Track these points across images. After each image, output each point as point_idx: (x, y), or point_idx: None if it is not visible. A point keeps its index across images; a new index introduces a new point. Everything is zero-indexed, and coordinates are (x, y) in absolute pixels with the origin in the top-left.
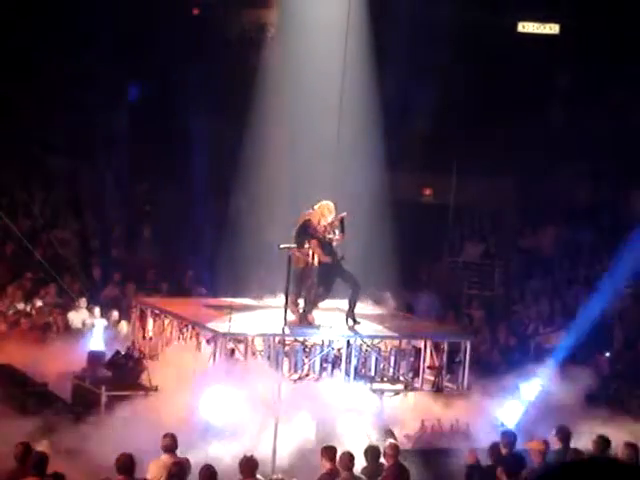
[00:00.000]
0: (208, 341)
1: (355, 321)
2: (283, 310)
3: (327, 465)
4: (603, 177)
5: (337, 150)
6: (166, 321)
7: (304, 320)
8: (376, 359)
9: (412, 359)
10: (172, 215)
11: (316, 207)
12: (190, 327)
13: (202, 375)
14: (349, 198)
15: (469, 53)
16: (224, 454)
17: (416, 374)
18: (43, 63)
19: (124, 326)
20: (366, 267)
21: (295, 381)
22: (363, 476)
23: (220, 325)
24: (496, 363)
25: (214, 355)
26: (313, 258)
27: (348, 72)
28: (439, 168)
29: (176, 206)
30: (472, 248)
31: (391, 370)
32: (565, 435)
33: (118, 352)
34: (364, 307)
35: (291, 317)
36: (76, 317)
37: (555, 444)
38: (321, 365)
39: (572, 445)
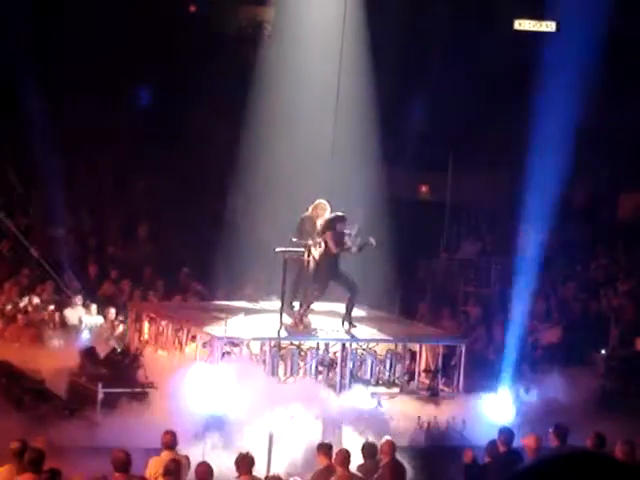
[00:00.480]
0: (204, 344)
1: (351, 324)
2: (279, 313)
3: (323, 461)
4: (600, 175)
5: (333, 148)
6: (162, 324)
7: (299, 323)
8: (372, 362)
9: (407, 362)
10: (168, 213)
11: (310, 208)
12: (186, 330)
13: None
14: (346, 196)
15: (466, 51)
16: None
17: (412, 377)
18: (42, 62)
19: (120, 323)
20: (363, 265)
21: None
22: (359, 473)
23: (216, 329)
24: (492, 360)
25: (210, 358)
26: (310, 256)
27: (345, 70)
28: (436, 166)
29: (172, 204)
30: (469, 245)
31: (387, 373)
32: (562, 433)
33: (114, 349)
34: (360, 310)
35: (287, 320)
36: (72, 314)
37: (552, 442)
38: (317, 369)
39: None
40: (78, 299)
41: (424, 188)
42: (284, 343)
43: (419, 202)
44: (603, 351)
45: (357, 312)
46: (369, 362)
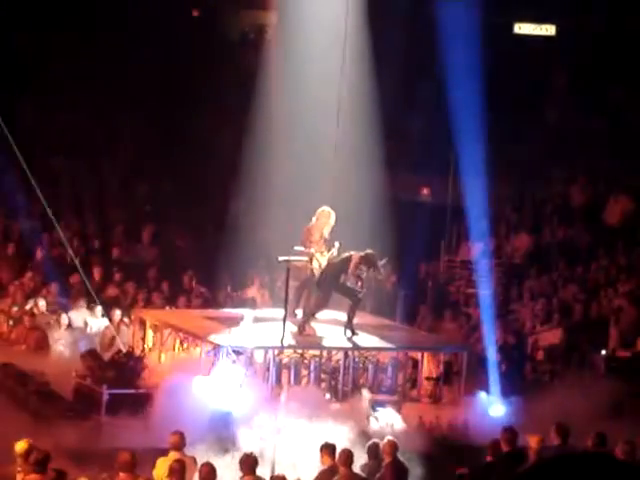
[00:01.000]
0: (208, 353)
1: (353, 332)
2: (282, 322)
3: (327, 462)
4: (600, 176)
5: (335, 150)
6: (165, 333)
7: (302, 331)
8: (374, 370)
9: (410, 370)
10: (172, 215)
11: (315, 218)
12: (190, 339)
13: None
14: (347, 198)
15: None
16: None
17: (414, 385)
18: (43, 63)
19: (125, 326)
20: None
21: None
22: (362, 473)
23: (220, 337)
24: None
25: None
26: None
27: (346, 73)
28: (437, 168)
29: (176, 206)
30: (469, 247)
31: (389, 381)
32: (564, 432)
33: (119, 351)
34: (362, 317)
35: (291, 328)
36: (77, 316)
37: (553, 440)
38: (319, 377)
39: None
40: (83, 301)
41: (425, 190)
42: (287, 352)
43: (420, 204)
44: (603, 352)
45: (359, 319)
46: (371, 370)
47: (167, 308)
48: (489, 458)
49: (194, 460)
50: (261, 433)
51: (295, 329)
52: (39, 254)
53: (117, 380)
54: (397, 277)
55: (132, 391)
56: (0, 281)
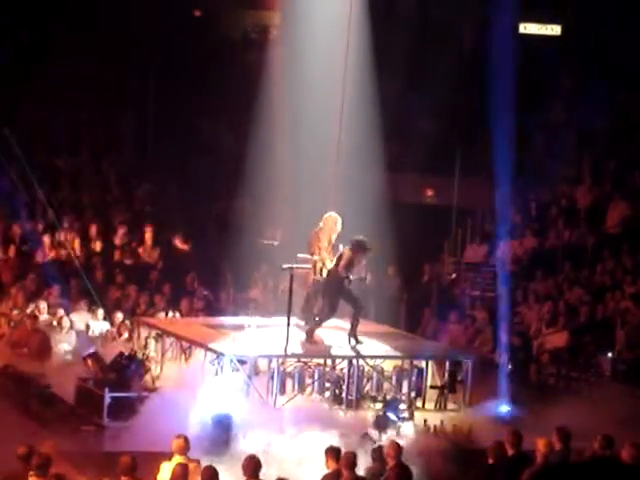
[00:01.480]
0: (212, 362)
1: (357, 340)
2: (286, 330)
3: (331, 465)
4: (604, 176)
5: (339, 151)
6: (168, 341)
7: (309, 339)
8: (378, 379)
9: (415, 378)
10: (174, 216)
11: (321, 223)
12: (193, 348)
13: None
14: (350, 199)
15: (470, 54)
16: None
17: (419, 393)
18: (45, 63)
19: (126, 329)
20: (369, 267)
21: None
22: (367, 476)
23: (223, 346)
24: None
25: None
26: (321, 272)
27: (350, 74)
28: (441, 169)
29: (179, 207)
30: (474, 249)
31: (393, 390)
32: (565, 435)
33: (121, 354)
34: (367, 325)
35: (298, 336)
36: (79, 319)
37: (555, 444)
38: (324, 385)
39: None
40: (84, 304)
41: (430, 191)
42: (292, 360)
43: (425, 205)
44: (610, 354)
45: (363, 327)
46: (375, 378)
47: (170, 312)
48: (491, 461)
49: (198, 464)
50: (264, 437)
51: (303, 337)
52: (40, 256)
53: (119, 383)
54: (401, 280)
55: (134, 394)
56: (1, 283)
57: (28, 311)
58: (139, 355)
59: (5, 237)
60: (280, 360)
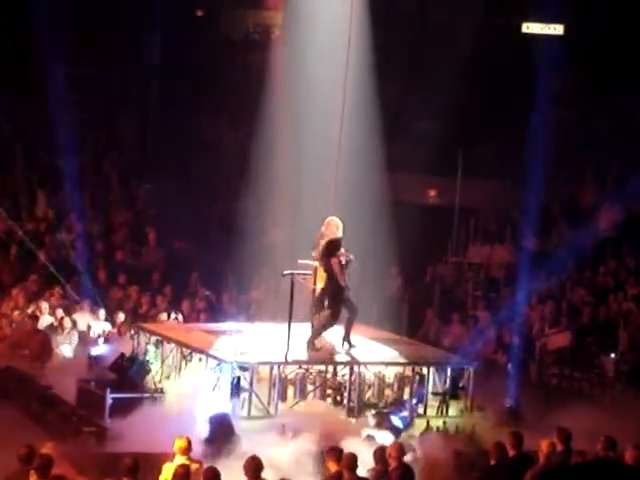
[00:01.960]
0: (213, 369)
1: (350, 344)
2: (287, 336)
3: (332, 466)
4: (607, 177)
5: (340, 151)
6: (168, 348)
7: (311, 346)
8: (379, 386)
9: (416, 385)
10: (177, 217)
11: (323, 227)
12: (194, 354)
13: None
14: (353, 199)
15: (473, 54)
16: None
17: (420, 400)
18: (47, 64)
19: (127, 330)
20: (370, 268)
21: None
22: (369, 477)
23: (224, 353)
24: (501, 364)
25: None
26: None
27: (351, 74)
28: (444, 169)
29: (181, 208)
30: (477, 250)
31: (395, 396)
32: (566, 436)
33: (123, 355)
34: (367, 331)
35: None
36: (81, 320)
37: (556, 446)
38: (325, 392)
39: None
40: (86, 304)
41: (432, 192)
42: (293, 367)
43: (427, 206)
44: (612, 355)
45: (364, 333)
46: (377, 385)
47: (172, 313)
48: (493, 462)
49: (201, 465)
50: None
51: (304, 344)
52: (42, 257)
53: (120, 384)
54: (403, 280)
55: (136, 395)
56: (3, 284)
57: (29, 312)
58: (140, 356)
59: (6, 237)
60: (281, 367)
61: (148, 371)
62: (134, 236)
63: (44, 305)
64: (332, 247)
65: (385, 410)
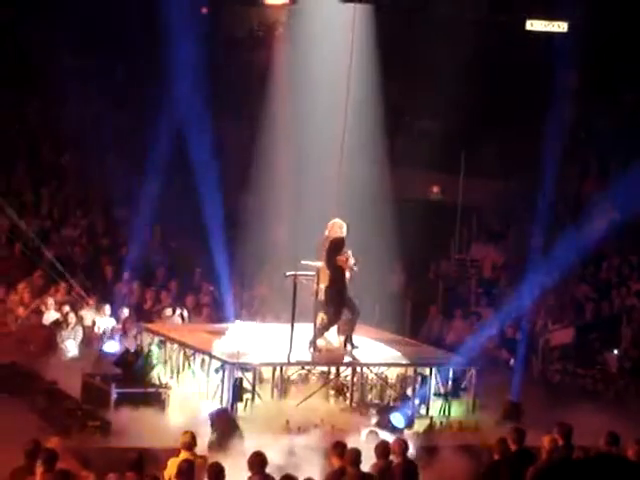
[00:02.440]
0: (216, 370)
1: (353, 346)
2: (289, 337)
3: (335, 462)
4: (611, 174)
5: (344, 147)
6: (172, 348)
7: (313, 347)
8: (381, 386)
9: (418, 386)
10: (181, 213)
11: (327, 231)
12: (197, 355)
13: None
14: (356, 196)
15: (478, 51)
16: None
17: (423, 401)
18: (49, 61)
19: (132, 325)
20: (374, 264)
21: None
22: (372, 472)
23: (227, 353)
24: (503, 360)
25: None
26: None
27: (356, 70)
28: (447, 166)
29: (185, 203)
30: (480, 247)
31: (397, 397)
32: (566, 432)
33: (127, 350)
34: (369, 332)
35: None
36: (86, 315)
37: (558, 441)
38: (327, 393)
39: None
40: (91, 300)
41: (436, 188)
42: (295, 368)
43: (431, 202)
44: (616, 351)
45: (366, 333)
46: (379, 385)
47: (177, 309)
48: (496, 457)
49: (205, 460)
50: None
51: (306, 344)
52: (47, 253)
53: (125, 379)
54: (406, 277)
55: (141, 390)
56: (8, 280)
57: (34, 307)
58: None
59: (12, 234)
60: (284, 368)
61: (153, 366)
62: (139, 232)
63: (49, 301)
64: (337, 245)
65: (388, 407)
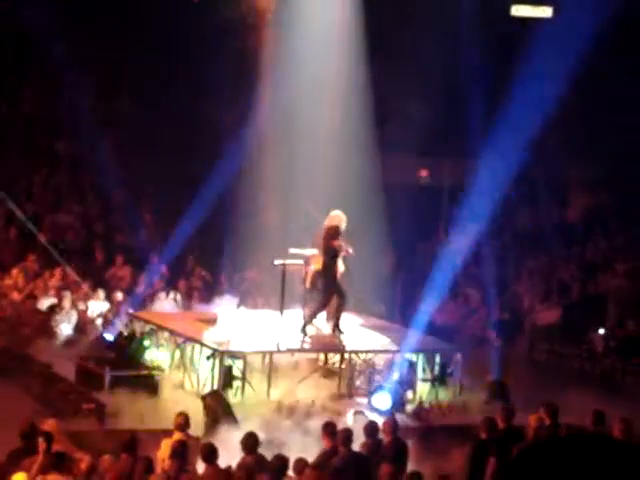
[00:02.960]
0: (208, 358)
1: (341, 332)
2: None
3: (327, 442)
4: (599, 159)
5: (333, 133)
6: (161, 336)
7: (302, 333)
8: (369, 372)
9: (406, 372)
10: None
11: (327, 221)
12: (187, 343)
13: None
14: (344, 180)
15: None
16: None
17: (410, 386)
18: (44, 47)
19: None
20: (363, 250)
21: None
22: (362, 452)
23: (218, 341)
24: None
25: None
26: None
27: (345, 57)
28: (436, 150)
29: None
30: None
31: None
32: (552, 411)
33: (121, 333)
34: (358, 319)
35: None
36: (80, 299)
37: (544, 420)
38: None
39: (565, 421)
40: (85, 285)
41: (424, 172)
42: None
43: (419, 186)
44: (602, 330)
45: (355, 320)
46: (367, 372)
47: (171, 293)
48: (484, 435)
49: (198, 440)
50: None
51: (296, 331)
52: (42, 237)
53: (119, 362)
54: (395, 260)
55: (134, 373)
56: (3, 264)
57: (29, 292)
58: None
59: (6, 218)
60: (273, 355)
61: (145, 349)
62: (132, 217)
63: (44, 285)
64: (333, 232)
65: (375, 390)
